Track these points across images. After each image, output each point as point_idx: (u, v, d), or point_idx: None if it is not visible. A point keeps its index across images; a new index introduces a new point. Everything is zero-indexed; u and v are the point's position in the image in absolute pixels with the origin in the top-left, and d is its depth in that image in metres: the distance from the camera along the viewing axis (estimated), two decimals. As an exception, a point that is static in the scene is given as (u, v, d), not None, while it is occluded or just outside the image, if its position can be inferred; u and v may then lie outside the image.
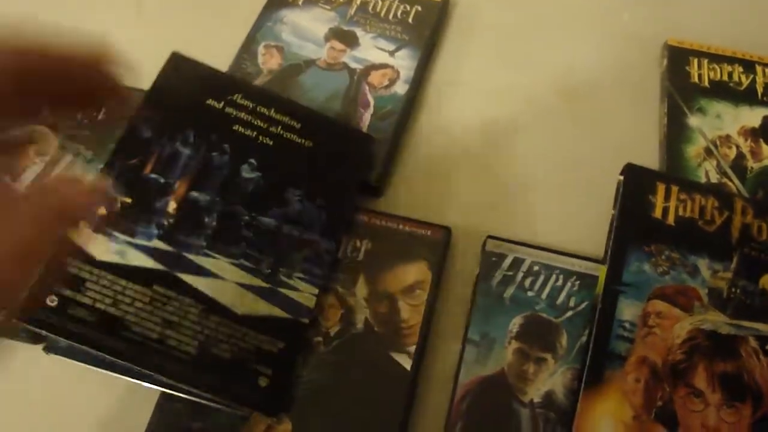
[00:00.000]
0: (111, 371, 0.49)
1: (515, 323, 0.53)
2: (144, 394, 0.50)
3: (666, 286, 0.49)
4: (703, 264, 0.50)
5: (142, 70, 0.62)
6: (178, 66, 0.56)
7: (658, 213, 0.52)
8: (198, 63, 0.57)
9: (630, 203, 0.53)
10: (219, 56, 0.65)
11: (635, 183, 0.54)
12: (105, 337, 0.46)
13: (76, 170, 0.59)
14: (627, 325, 0.48)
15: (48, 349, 0.51)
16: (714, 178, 0.60)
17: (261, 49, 0.65)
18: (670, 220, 0.52)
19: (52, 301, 0.46)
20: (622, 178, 0.55)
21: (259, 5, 0.69)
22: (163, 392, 0.50)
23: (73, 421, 0.51)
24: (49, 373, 0.52)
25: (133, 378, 0.49)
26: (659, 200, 0.53)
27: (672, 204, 0.52)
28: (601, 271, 0.53)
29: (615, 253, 0.51)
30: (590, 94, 0.66)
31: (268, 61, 0.64)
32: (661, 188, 0.53)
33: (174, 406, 0.50)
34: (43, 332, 0.46)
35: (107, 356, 0.46)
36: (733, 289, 0.49)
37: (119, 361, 0.46)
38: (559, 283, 0.54)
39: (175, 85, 0.56)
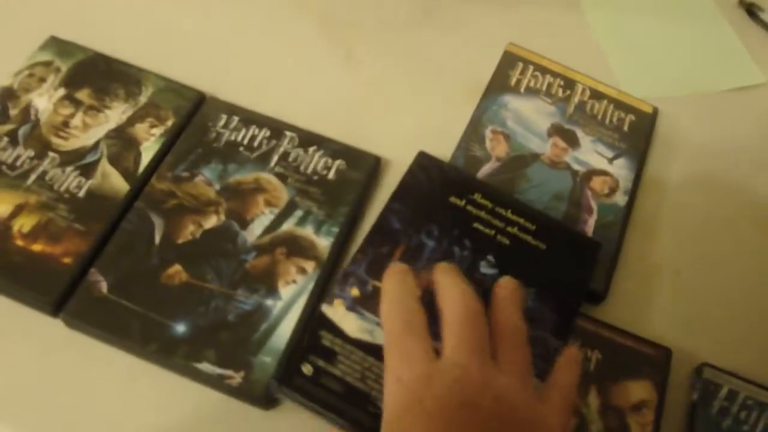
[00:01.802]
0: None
1: (732, 457, 0.56)
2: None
3: None
4: None
5: (358, 127, 0.65)
6: (424, 164, 0.61)
7: None
8: (441, 162, 0.61)
9: None
10: (444, 130, 0.67)
11: None
12: (351, 409, 0.48)
13: (306, 228, 0.60)
14: None
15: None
16: None
17: (488, 134, 0.67)
18: None
19: (307, 369, 0.49)
20: None
21: (476, 81, 0.71)
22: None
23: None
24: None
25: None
26: None
27: None
28: None
29: None
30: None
31: (496, 147, 0.67)
32: None
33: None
34: (298, 398, 0.48)
35: (350, 426, 0.48)
36: None
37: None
38: (771, 420, 0.58)
39: (421, 181, 0.60)
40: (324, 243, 0.59)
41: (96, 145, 0.62)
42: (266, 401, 0.53)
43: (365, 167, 0.64)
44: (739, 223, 0.70)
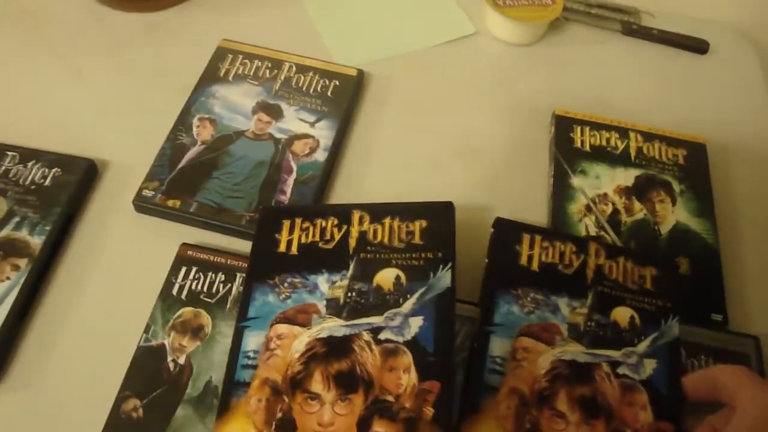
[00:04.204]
0: None
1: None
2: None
3: (531, 324, 0.61)
4: (563, 303, 0.62)
5: (84, 137, 0.74)
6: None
7: (524, 260, 0.64)
8: None
9: (500, 253, 0.65)
10: (157, 127, 0.77)
11: (504, 234, 0.66)
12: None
13: (22, 231, 0.69)
14: (498, 360, 0.59)
15: None
16: (593, 231, 0.73)
17: (195, 122, 0.77)
18: (535, 266, 0.64)
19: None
20: (492, 230, 0.67)
21: (191, 79, 0.81)
22: None
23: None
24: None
25: None
26: (525, 249, 0.65)
27: (536, 252, 0.65)
28: (477, 314, 0.64)
29: (486, 298, 0.63)
30: (489, 157, 0.79)
31: (202, 133, 0.76)
32: (526, 238, 0.66)
33: None
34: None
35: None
36: (589, 323, 0.61)
37: None
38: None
39: None
40: (37, 241, 0.69)
41: None
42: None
43: (79, 170, 0.73)
44: (446, 158, 0.79)
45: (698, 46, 0.91)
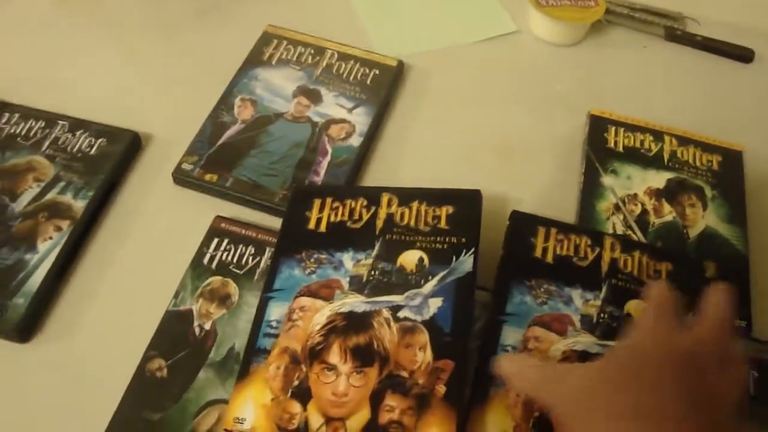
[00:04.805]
0: None
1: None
2: None
3: (544, 314, 0.62)
4: (576, 294, 0.63)
5: (130, 111, 0.78)
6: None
7: (538, 252, 0.65)
8: None
9: (515, 245, 0.66)
10: (200, 105, 0.80)
11: (519, 227, 0.68)
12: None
13: (66, 195, 0.73)
14: (509, 348, 0.60)
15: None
16: (620, 230, 0.73)
17: (237, 102, 0.80)
18: (549, 258, 0.65)
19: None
20: (508, 222, 0.68)
21: (238, 62, 0.84)
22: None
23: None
24: None
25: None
26: (540, 241, 0.66)
27: (551, 244, 0.66)
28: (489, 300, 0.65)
29: (499, 287, 0.64)
30: (521, 152, 0.80)
31: (243, 112, 0.79)
32: (541, 231, 0.67)
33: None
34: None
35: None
36: (602, 315, 0.62)
37: None
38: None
39: None
40: (80, 204, 0.72)
41: None
42: (20, 336, 0.66)
43: (123, 141, 0.77)
44: (480, 152, 0.80)
45: (743, 54, 0.91)
